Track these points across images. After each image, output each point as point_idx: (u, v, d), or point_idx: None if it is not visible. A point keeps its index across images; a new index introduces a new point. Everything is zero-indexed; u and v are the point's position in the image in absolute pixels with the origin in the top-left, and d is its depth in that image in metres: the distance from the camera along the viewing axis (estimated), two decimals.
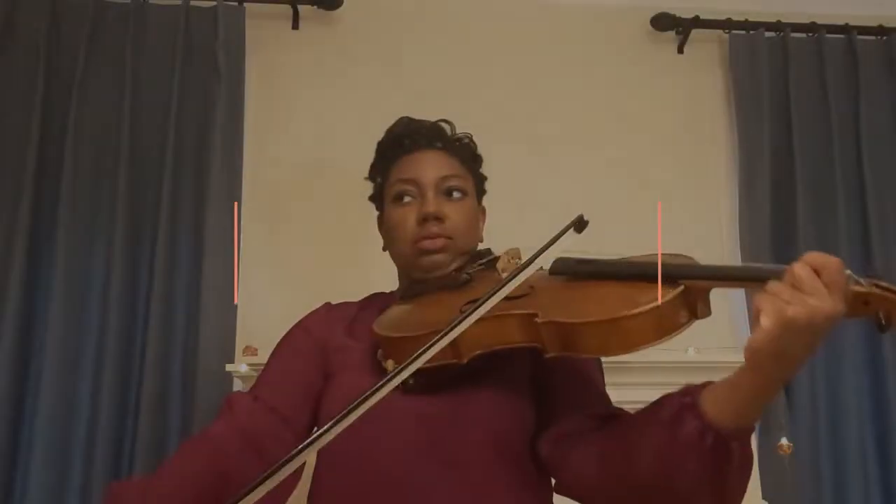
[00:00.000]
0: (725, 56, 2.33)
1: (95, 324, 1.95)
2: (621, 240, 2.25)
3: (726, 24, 2.31)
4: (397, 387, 0.94)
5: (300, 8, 2.27)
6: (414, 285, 1.14)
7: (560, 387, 1.08)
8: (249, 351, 1.89)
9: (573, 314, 0.91)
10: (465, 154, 1.21)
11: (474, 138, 1.23)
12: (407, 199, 1.14)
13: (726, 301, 2.17)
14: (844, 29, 2.30)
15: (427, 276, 1.12)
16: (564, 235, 0.94)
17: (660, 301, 0.85)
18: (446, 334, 0.88)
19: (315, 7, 2.27)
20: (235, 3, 2.19)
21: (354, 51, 2.25)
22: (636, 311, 0.86)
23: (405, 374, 0.87)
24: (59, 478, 1.84)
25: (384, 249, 1.20)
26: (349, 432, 0.92)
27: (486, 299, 0.89)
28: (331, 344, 1.15)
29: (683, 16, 2.33)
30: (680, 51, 2.36)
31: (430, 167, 1.15)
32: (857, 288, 0.80)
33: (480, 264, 1.13)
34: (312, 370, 1.14)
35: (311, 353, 1.16)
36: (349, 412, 0.82)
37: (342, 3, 2.26)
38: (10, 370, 1.88)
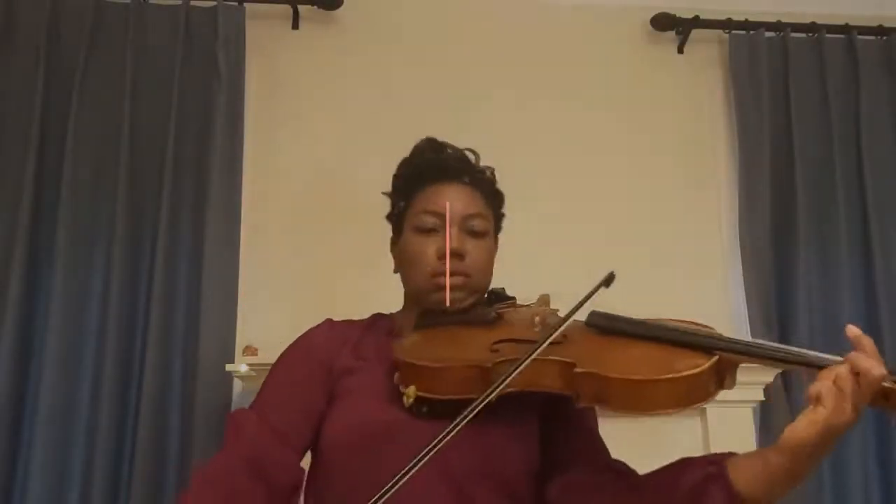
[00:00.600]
0: (725, 56, 2.33)
1: (95, 324, 1.95)
2: (621, 240, 2.25)
3: (726, 24, 2.31)
4: (410, 409, 0.99)
5: (300, 8, 2.27)
6: (433, 316, 1.14)
7: (570, 434, 1.09)
8: (249, 351, 1.89)
9: (613, 369, 0.92)
10: (488, 190, 1.21)
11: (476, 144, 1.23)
12: (430, 230, 1.14)
13: (727, 302, 2.19)
14: (844, 29, 2.30)
15: (440, 308, 1.12)
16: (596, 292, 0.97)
17: (703, 368, 0.88)
18: (519, 367, 0.89)
19: (315, 7, 2.27)
20: (235, 3, 2.19)
21: (354, 51, 2.25)
22: (677, 375, 0.88)
23: (493, 394, 0.88)
24: (59, 478, 1.84)
25: (395, 272, 1.20)
26: (359, 449, 0.95)
27: (547, 338, 0.91)
28: (338, 365, 1.13)
29: (683, 16, 2.33)
30: (680, 51, 2.36)
31: (457, 202, 1.15)
32: (887, 384, 0.81)
33: (505, 305, 1.15)
34: (318, 391, 1.12)
35: (316, 372, 1.13)
36: (447, 434, 0.84)
37: (342, 2, 2.26)
38: (10, 370, 1.88)
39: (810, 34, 2.31)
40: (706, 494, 0.86)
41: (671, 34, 2.37)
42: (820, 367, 0.84)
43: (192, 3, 2.17)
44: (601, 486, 1.01)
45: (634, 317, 1.02)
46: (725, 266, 2.19)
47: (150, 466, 1.82)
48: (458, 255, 1.11)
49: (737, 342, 0.92)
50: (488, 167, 1.23)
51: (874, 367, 0.80)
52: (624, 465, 1.06)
